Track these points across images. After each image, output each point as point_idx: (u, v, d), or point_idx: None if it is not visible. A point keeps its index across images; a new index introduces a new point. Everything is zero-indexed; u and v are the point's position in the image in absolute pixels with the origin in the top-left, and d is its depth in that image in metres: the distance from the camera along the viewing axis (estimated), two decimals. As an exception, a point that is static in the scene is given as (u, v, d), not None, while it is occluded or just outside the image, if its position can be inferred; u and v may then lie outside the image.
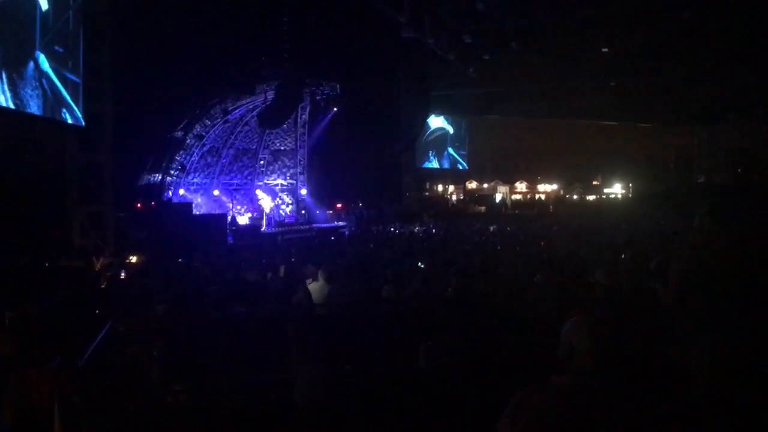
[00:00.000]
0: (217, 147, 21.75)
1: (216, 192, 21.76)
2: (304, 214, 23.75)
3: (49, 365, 3.21)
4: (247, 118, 21.77)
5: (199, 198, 21.01)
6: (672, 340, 2.91)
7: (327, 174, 24.26)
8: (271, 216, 21.69)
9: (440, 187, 36.38)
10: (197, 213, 18.95)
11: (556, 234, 16.04)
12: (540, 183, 39.47)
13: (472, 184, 38.35)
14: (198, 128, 20.13)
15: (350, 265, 8.53)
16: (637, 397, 1.80)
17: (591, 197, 38.14)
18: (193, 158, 20.72)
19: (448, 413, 3.21)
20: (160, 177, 19.34)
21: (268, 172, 24.04)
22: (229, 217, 19.08)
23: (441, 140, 34.15)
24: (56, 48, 11.32)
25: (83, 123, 12.12)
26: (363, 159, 24.07)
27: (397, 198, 28.52)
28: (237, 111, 21.03)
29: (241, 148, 22.81)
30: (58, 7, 11.31)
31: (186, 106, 18.94)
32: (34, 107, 10.67)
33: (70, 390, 3.02)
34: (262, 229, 20.00)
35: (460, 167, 36.79)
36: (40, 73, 10.82)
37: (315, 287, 6.48)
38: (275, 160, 24.17)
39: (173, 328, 4.86)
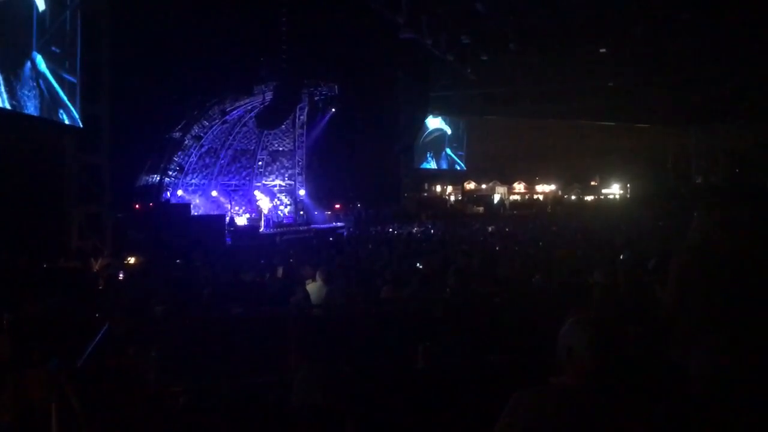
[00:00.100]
0: (215, 148, 21.75)
1: (214, 193, 21.75)
2: (303, 215, 23.75)
3: (47, 366, 3.20)
4: (246, 119, 21.77)
5: (198, 199, 21.01)
6: (671, 340, 2.91)
7: (325, 175, 24.26)
8: (269, 217, 21.71)
9: (438, 188, 36.35)
10: (195, 214, 18.93)
11: (554, 234, 16.03)
12: (538, 183, 39.44)
13: (471, 185, 38.31)
14: (196, 129, 20.13)
15: (349, 266, 8.53)
16: (635, 398, 1.80)
17: (589, 198, 38.15)
18: (191, 159, 20.72)
19: (446, 414, 3.20)
20: (158, 178, 19.34)
21: (267, 173, 24.03)
22: (228, 218, 19.09)
23: (439, 141, 34.18)
24: (53, 49, 11.30)
25: (81, 124, 12.10)
26: (361, 160, 24.09)
27: (396, 199, 28.54)
28: (235, 112, 21.03)
29: (239, 148, 22.82)
30: (55, 7, 11.30)
31: (184, 107, 18.95)
32: (31, 108, 10.66)
33: (68, 391, 3.01)
34: (261, 229, 20.00)
35: (458, 168, 36.83)
36: (37, 74, 10.81)
37: (313, 288, 6.47)
38: (273, 161, 24.17)
39: (172, 329, 4.85)
